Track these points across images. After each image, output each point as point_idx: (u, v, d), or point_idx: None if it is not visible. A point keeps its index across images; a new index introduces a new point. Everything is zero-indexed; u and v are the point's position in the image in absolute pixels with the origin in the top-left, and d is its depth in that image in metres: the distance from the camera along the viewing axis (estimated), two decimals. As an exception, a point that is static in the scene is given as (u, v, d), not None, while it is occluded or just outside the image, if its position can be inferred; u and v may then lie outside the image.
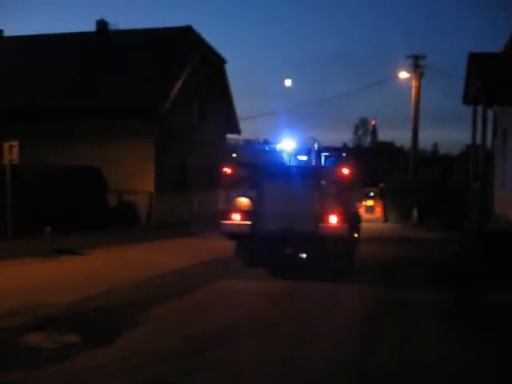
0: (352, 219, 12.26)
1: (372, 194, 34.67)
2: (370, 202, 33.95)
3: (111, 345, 6.82)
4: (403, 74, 34.31)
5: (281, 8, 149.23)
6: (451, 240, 18.00)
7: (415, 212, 30.41)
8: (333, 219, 11.55)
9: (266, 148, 14.68)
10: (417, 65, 33.56)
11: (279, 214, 11.83)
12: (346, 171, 11.86)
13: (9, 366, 5.96)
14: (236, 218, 12.17)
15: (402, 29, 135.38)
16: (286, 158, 14.47)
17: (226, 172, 12.50)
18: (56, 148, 22.33)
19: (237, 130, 33.77)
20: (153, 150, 23.03)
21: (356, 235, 13.33)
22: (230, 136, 36.04)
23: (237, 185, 12.31)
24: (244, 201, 12.23)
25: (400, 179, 36.64)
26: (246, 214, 12.06)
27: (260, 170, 12.56)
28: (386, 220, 32.27)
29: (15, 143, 14.98)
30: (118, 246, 16.13)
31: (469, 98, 17.75)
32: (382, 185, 37.16)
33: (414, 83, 33.58)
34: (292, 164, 14.28)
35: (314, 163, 14.53)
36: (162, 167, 23.49)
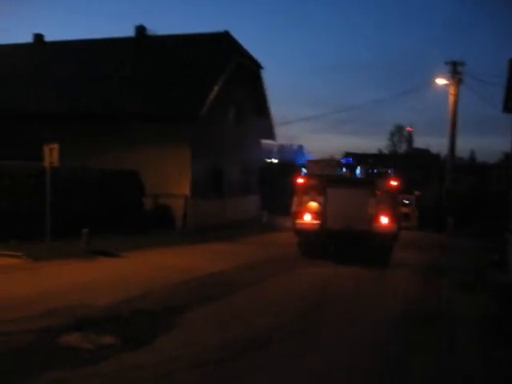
0: (398, 221, 15.44)
1: (407, 201, 34.26)
2: (405, 210, 33.55)
3: (148, 347, 6.88)
4: (440, 81, 33.91)
5: (318, 15, 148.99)
6: (489, 249, 17.72)
7: (451, 220, 30.00)
8: (384, 220, 15.00)
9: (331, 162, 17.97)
10: (455, 71, 33.13)
11: (341, 216, 15.01)
12: (394, 184, 15.43)
13: (46, 366, 6.04)
14: (307, 218, 15.52)
15: (441, 35, 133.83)
16: (345, 170, 17.74)
17: (299, 182, 15.89)
18: (95, 152, 22.60)
19: (272, 136, 33.82)
20: (189, 154, 23.17)
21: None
22: (264, 141, 36.14)
23: (308, 192, 15.64)
24: (313, 204, 15.54)
25: (436, 187, 36.17)
26: (315, 214, 15.38)
27: (326, 180, 15.69)
28: (421, 228, 31.83)
29: (55, 146, 15.20)
30: (153, 249, 16.25)
31: (510, 105, 17.43)
32: (417, 192, 36.71)
33: (452, 90, 33.15)
34: (352, 176, 17.50)
35: (364, 176, 17.64)
36: (198, 172, 23.62)
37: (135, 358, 6.47)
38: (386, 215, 14.98)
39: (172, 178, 22.76)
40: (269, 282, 12.15)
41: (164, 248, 16.69)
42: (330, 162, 17.96)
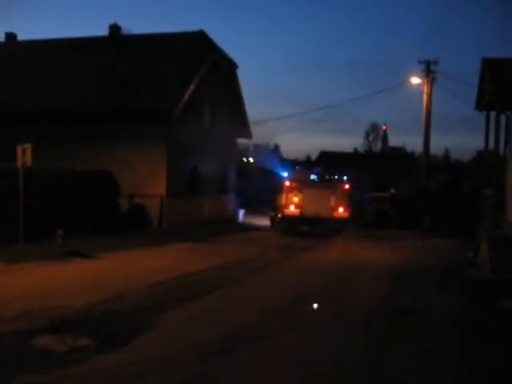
0: (349, 210, 23.91)
1: (382, 199, 34.49)
2: (379, 207, 33.77)
3: (123, 348, 6.83)
4: (415, 80, 34.19)
5: (293, 14, 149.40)
6: (464, 247, 17.91)
7: (427, 218, 30.25)
8: (341, 210, 23.49)
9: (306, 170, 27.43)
10: (429, 70, 33.43)
11: (313, 207, 23.23)
12: (347, 186, 24.13)
13: (20, 369, 5.96)
14: (291, 208, 23.99)
15: (415, 35, 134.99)
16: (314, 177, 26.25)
17: (286, 184, 24.38)
18: (69, 152, 22.39)
19: (248, 135, 33.85)
20: (164, 153, 23.05)
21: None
22: (240, 140, 36.17)
23: (291, 191, 23.98)
24: (295, 199, 23.95)
25: (411, 185, 36.46)
26: (296, 206, 23.79)
27: (304, 183, 24.30)
28: (397, 225, 32.03)
29: (28, 146, 15.04)
30: (129, 250, 16.15)
31: (482, 104, 17.64)
32: (393, 190, 36.97)
33: (425, 89, 33.46)
34: (319, 180, 25.67)
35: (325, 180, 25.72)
36: (174, 171, 23.52)
37: (111, 359, 6.42)
38: (341, 207, 23.72)
39: (147, 178, 22.63)
40: (245, 281, 12.16)
41: (139, 248, 16.59)
42: (306, 172, 27.68)
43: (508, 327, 8.61)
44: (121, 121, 22.94)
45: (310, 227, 23.25)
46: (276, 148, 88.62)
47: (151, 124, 22.89)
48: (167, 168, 23.09)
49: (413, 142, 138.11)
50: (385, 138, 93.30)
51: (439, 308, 9.98)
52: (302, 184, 24.06)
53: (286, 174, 25.98)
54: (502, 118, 19.13)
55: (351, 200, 24.46)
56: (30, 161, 15.09)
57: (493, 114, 16.49)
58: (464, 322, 8.90)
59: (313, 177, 26.13)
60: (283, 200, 23.82)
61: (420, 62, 33.68)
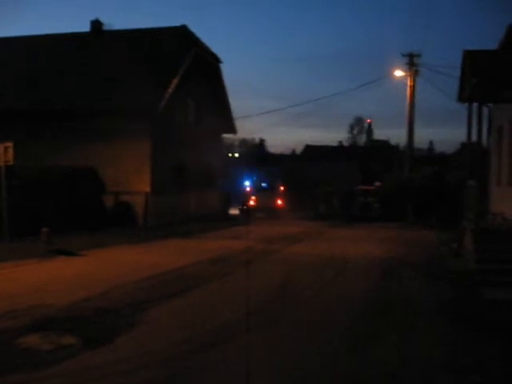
0: (285, 202, 36.12)
1: (368, 192, 34.67)
2: (364, 200, 33.95)
3: (109, 346, 6.79)
4: (398, 73, 34.29)
5: (275, 6, 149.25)
6: (448, 238, 18.03)
7: (411, 210, 30.45)
8: (279, 202, 35.52)
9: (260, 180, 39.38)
10: (412, 63, 33.52)
11: (263, 201, 34.31)
12: (282, 188, 37.77)
13: (3, 369, 5.91)
14: (251, 201, 35.01)
15: (398, 27, 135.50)
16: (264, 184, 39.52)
17: (247, 189, 37.35)
18: (53, 149, 22.29)
19: (232, 130, 33.84)
20: (149, 150, 22.99)
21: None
22: (226, 135, 36.18)
23: (251, 192, 36.20)
24: (254, 197, 35.69)
25: (396, 178, 36.66)
26: (255, 201, 34.96)
27: (257, 188, 37.09)
28: (382, 218, 32.21)
29: (10, 144, 14.93)
30: (114, 247, 16.12)
31: (464, 96, 17.70)
32: (378, 183, 37.15)
33: (409, 82, 33.58)
34: (267, 186, 38.73)
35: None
36: (159, 167, 23.46)
37: (96, 357, 6.39)
38: (279, 200, 36.09)
39: (132, 175, 22.58)
40: (232, 275, 12.15)
41: (125, 245, 16.56)
42: (260, 181, 40.07)
43: (490, 317, 8.69)
44: (105, 117, 22.83)
45: (262, 214, 33.37)
46: (261, 143, 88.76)
47: (135, 120, 22.83)
48: (152, 164, 23.05)
49: (398, 135, 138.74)
50: (369, 131, 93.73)
51: (422, 300, 10.03)
52: (258, 188, 38.13)
53: (249, 183, 39.69)
54: (484, 109, 19.28)
55: (284, 197, 37.25)
56: (12, 159, 14.99)
57: (475, 105, 16.56)
58: (447, 313, 8.96)
59: (264, 184, 40.12)
60: (247, 197, 35.74)
61: (403, 55, 33.79)
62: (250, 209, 34.71)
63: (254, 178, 40.73)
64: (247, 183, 36.54)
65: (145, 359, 6.31)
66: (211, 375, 5.93)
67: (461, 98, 18.44)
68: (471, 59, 15.78)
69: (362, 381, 5.92)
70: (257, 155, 70.82)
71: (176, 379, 5.79)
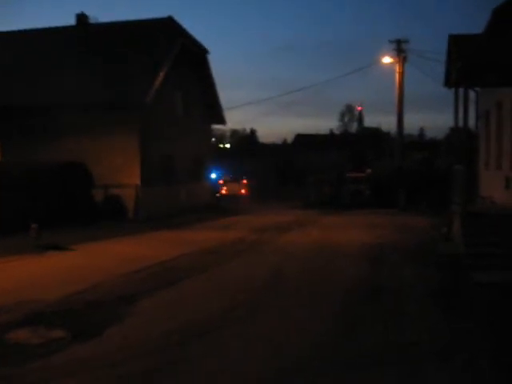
0: (248, 191, 46.05)
1: (359, 179, 34.79)
2: (356, 188, 34.08)
3: (98, 338, 6.81)
4: (387, 59, 34.18)
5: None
6: (439, 223, 18.12)
7: (402, 197, 30.57)
8: (243, 191, 45.96)
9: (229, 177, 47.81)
10: (400, 49, 33.39)
11: (232, 189, 44.80)
12: (245, 181, 47.71)
13: (-6, 363, 5.91)
14: (224, 191, 43.74)
15: (386, 13, 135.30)
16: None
17: (221, 181, 44.21)
18: (41, 144, 22.21)
19: (222, 120, 33.78)
20: (138, 142, 22.95)
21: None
22: (216, 126, 36.12)
23: (225, 184, 45.59)
24: (225, 187, 45.05)
25: (386, 164, 36.77)
26: (226, 190, 44.66)
27: (227, 179, 46.72)
28: (373, 205, 32.35)
29: (-3, 140, 14.90)
30: (104, 240, 16.11)
31: (450, 81, 17.70)
32: (369, 170, 37.25)
33: (397, 68, 33.51)
34: (234, 178, 48.14)
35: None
36: (148, 160, 23.43)
37: (85, 349, 6.40)
38: (243, 189, 45.94)
39: (122, 168, 22.55)
40: (222, 266, 12.17)
41: (115, 239, 16.55)
42: (228, 175, 47.52)
43: (478, 300, 8.78)
44: (93, 111, 22.75)
45: (231, 199, 38.83)
46: (253, 133, 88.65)
47: (123, 113, 22.78)
48: (141, 157, 23.02)
49: (388, 122, 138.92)
50: (360, 118, 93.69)
51: (412, 284, 10.10)
52: (227, 180, 46.14)
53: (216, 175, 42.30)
54: (472, 94, 19.31)
55: (246, 187, 46.47)
56: (0, 155, 14.94)
57: (461, 90, 16.59)
58: (436, 297, 9.03)
59: (231, 176, 48.10)
60: (221, 187, 42.73)
61: (390, 42, 33.64)
62: (222, 196, 40.80)
63: (222, 172, 45.89)
64: (215, 175, 37.44)
65: (133, 351, 6.32)
66: (199, 366, 5.95)
67: (447, 82, 18.47)
68: (456, 44, 15.82)
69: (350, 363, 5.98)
70: (246, 146, 70.93)
71: (164, 370, 5.81)
